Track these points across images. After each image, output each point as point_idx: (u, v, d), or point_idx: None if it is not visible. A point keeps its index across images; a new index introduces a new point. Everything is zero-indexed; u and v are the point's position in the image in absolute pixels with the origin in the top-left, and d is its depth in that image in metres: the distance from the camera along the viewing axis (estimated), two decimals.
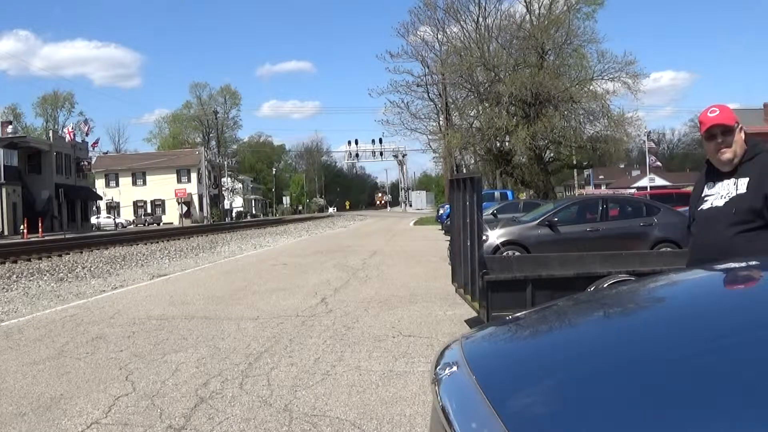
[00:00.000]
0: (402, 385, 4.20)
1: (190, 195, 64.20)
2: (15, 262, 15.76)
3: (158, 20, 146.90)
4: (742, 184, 2.51)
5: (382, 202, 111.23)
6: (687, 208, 3.00)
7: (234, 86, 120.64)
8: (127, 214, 65.36)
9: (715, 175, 2.63)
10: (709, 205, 2.59)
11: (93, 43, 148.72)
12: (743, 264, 2.01)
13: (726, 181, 2.57)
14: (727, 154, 2.55)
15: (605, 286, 4.63)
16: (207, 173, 67.94)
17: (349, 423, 3.51)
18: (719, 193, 2.57)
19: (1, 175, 38.51)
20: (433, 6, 32.91)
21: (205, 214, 65.02)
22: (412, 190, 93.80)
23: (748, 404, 0.91)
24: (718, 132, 2.56)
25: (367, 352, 5.13)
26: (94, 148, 58.48)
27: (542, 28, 30.41)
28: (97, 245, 21.40)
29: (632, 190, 41.38)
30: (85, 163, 52.27)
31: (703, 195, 2.65)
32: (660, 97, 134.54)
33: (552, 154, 34.07)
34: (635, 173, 71.38)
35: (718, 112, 2.59)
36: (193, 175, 67.78)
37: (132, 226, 59.04)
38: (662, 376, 1.04)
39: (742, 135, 2.61)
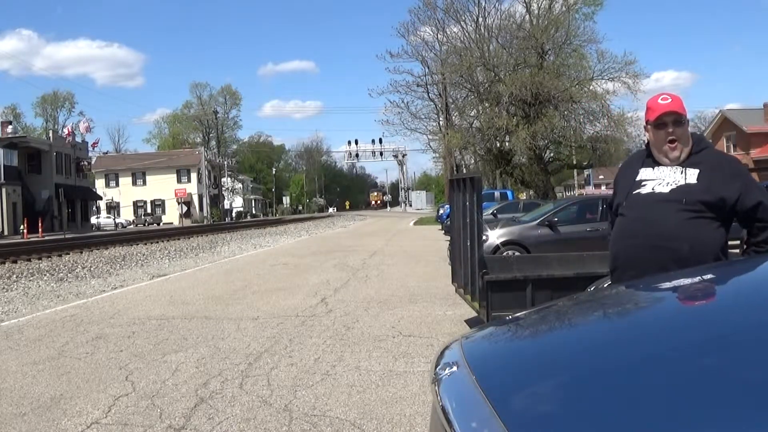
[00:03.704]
0: (402, 385, 4.20)
1: (190, 195, 64.21)
2: (15, 262, 15.76)
3: (162, 20, 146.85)
4: (692, 175, 2.43)
5: (379, 202, 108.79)
6: None
7: (236, 86, 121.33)
8: (127, 214, 65.36)
9: (655, 162, 2.54)
10: (650, 190, 2.48)
11: (96, 43, 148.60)
12: (740, 264, 2.01)
13: (670, 168, 2.48)
14: (675, 152, 2.47)
15: (605, 286, 4.63)
16: (207, 173, 67.94)
17: (349, 423, 3.51)
18: (663, 180, 2.47)
19: (1, 175, 38.52)
20: (433, 6, 32.95)
21: (205, 214, 65.01)
22: (412, 190, 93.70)
23: (750, 404, 0.91)
24: (669, 121, 2.46)
25: (367, 352, 5.13)
26: (94, 148, 58.53)
27: (542, 28, 30.42)
28: (97, 245, 21.40)
29: None
30: (85, 163, 52.28)
31: (639, 179, 2.54)
32: None
33: (552, 154, 34.11)
34: None
35: (670, 100, 2.49)
36: (193, 175, 67.78)
37: (132, 226, 59.03)
38: (662, 376, 1.04)
39: (689, 130, 2.55)
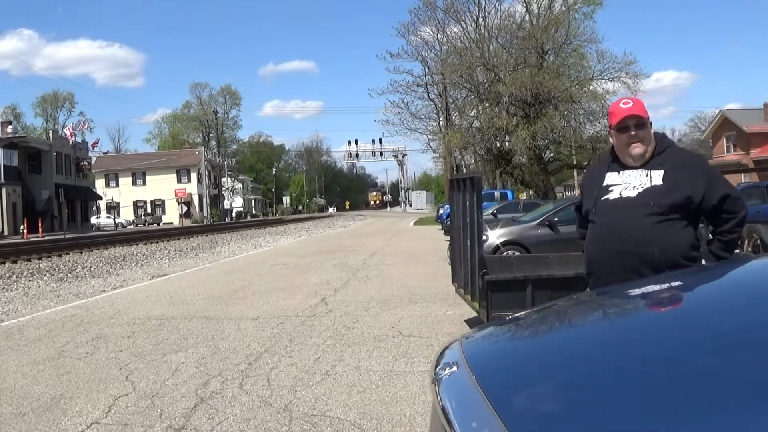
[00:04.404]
0: (402, 385, 4.20)
1: (190, 195, 64.20)
2: (15, 262, 15.76)
3: (162, 20, 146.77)
4: (657, 176, 2.46)
5: (378, 201, 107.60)
6: None
7: (236, 86, 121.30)
8: (127, 214, 65.36)
9: (620, 165, 2.56)
10: (618, 195, 2.51)
11: (96, 43, 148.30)
12: (738, 265, 2.01)
13: (635, 171, 2.51)
14: (638, 149, 2.49)
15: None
16: (207, 173, 67.94)
17: (349, 423, 3.51)
18: (630, 184, 2.49)
19: (1, 175, 38.52)
20: (433, 6, 32.96)
21: (205, 214, 65.01)
22: (412, 190, 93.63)
23: (749, 404, 0.91)
24: (631, 124, 2.49)
25: (367, 352, 5.13)
26: (94, 148, 58.59)
27: (542, 28, 30.44)
28: (97, 245, 21.40)
29: None
30: (85, 163, 52.28)
31: (606, 184, 2.56)
32: (662, 96, 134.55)
33: (552, 154, 34.11)
34: None
35: (631, 104, 2.53)
36: (193, 175, 67.78)
37: (132, 226, 59.03)
38: (662, 376, 1.04)
39: (652, 130, 2.57)
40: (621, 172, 2.55)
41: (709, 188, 2.45)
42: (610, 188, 2.55)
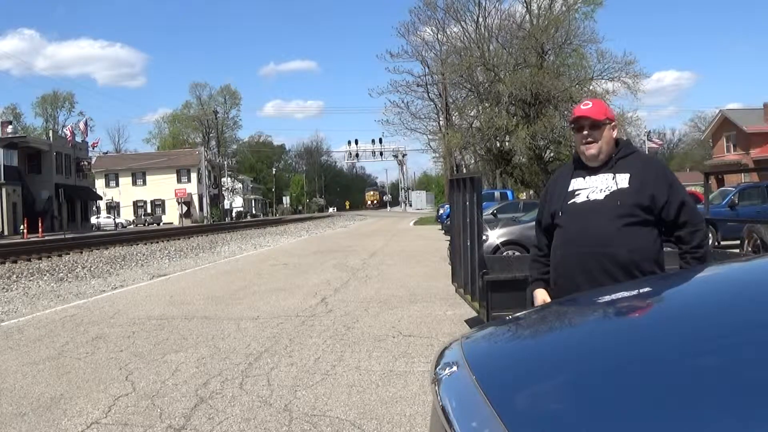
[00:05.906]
0: (402, 385, 4.20)
1: (190, 195, 64.19)
2: (15, 262, 15.75)
3: (163, 20, 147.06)
4: (623, 180, 2.50)
5: (375, 201, 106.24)
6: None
7: (237, 86, 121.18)
8: (127, 214, 65.35)
9: (586, 171, 2.60)
10: (585, 198, 2.54)
11: (98, 43, 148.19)
12: (736, 264, 2.01)
13: (602, 176, 2.55)
14: (591, 150, 2.54)
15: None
16: (207, 173, 67.94)
17: (349, 423, 3.51)
18: (597, 187, 2.53)
19: (1, 175, 38.52)
20: (433, 6, 32.99)
21: (205, 214, 65.00)
22: (412, 190, 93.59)
23: (749, 404, 0.91)
24: (585, 125, 2.54)
25: (367, 352, 5.13)
26: (94, 148, 58.56)
27: (542, 28, 30.45)
28: (97, 245, 21.39)
29: None
30: (85, 163, 52.28)
31: (572, 189, 2.60)
32: (663, 96, 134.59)
33: (552, 154, 34.11)
34: None
35: (590, 106, 2.59)
36: (193, 175, 67.78)
37: (132, 226, 59.03)
38: (663, 376, 1.04)
39: (613, 133, 2.60)
40: (587, 177, 2.59)
41: (671, 194, 2.50)
42: (577, 192, 2.58)
